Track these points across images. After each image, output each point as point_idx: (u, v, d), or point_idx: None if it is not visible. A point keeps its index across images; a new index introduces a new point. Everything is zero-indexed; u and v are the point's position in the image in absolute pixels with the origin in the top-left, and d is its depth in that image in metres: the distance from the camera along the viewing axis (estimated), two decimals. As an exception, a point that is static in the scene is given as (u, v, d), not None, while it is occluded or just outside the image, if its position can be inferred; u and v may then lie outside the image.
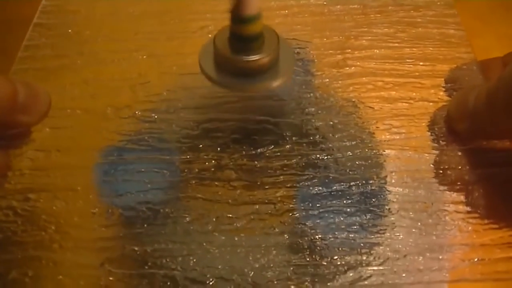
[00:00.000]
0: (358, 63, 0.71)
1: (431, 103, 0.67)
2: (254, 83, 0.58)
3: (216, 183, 0.61)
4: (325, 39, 0.74)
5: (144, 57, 0.74)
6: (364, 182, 0.59)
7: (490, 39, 1.31)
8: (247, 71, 0.58)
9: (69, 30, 0.79)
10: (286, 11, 0.77)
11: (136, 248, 0.56)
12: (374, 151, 0.61)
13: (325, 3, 0.80)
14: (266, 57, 0.57)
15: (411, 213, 0.58)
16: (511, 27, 1.32)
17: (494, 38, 1.30)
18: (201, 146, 0.63)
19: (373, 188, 0.59)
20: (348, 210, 0.58)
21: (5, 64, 0.77)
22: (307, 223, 0.57)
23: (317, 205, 0.57)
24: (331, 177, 0.60)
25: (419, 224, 0.57)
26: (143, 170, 0.60)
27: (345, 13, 0.78)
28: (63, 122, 0.67)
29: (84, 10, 0.83)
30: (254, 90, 0.62)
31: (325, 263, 0.55)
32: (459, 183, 0.59)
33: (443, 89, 0.68)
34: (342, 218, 0.57)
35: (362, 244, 0.56)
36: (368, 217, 0.57)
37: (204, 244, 0.56)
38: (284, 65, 0.60)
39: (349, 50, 0.73)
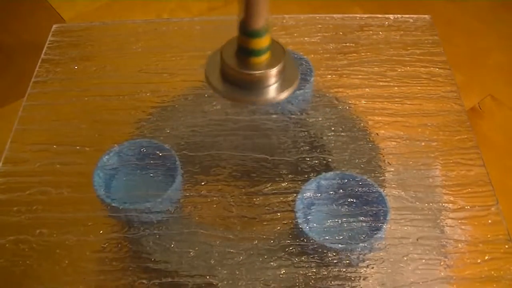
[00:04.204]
0: (350, 101, 0.75)
1: (417, 142, 0.71)
2: (260, 95, 0.58)
3: (217, 219, 0.65)
4: (318, 77, 0.77)
5: (148, 94, 0.77)
6: (356, 219, 0.64)
7: (491, 39, 1.35)
8: (253, 84, 0.58)
9: (75, 67, 0.83)
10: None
11: (144, 282, 0.60)
12: (365, 189, 0.65)
13: (318, 41, 0.84)
14: (272, 70, 0.57)
15: (399, 248, 0.62)
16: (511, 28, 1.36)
17: (495, 39, 1.35)
18: (203, 183, 0.67)
19: (364, 225, 0.63)
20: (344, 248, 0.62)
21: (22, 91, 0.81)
22: (303, 258, 0.61)
23: (312, 241, 0.61)
24: (325, 214, 0.64)
25: (405, 258, 0.61)
26: (149, 206, 0.63)
27: (338, 52, 0.82)
28: (73, 159, 0.71)
29: (89, 47, 0.87)
30: (259, 103, 0.64)
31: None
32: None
33: (429, 128, 0.72)
34: (334, 254, 0.60)
35: None
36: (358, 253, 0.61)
37: (208, 277, 0.60)
38: (289, 78, 0.60)
39: (342, 89, 0.77)
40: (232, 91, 0.58)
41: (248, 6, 0.52)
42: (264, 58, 0.56)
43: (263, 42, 0.55)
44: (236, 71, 0.57)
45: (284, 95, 0.58)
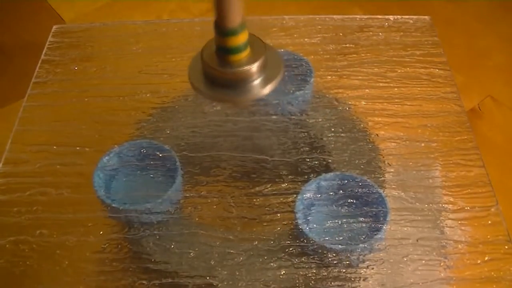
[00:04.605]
0: (350, 102, 0.75)
1: (417, 143, 0.71)
2: (243, 93, 0.58)
3: (218, 220, 0.65)
4: (318, 78, 0.78)
5: (148, 95, 0.77)
6: (356, 220, 0.64)
7: (490, 40, 1.35)
8: (235, 82, 0.58)
9: (75, 67, 0.83)
10: (281, 50, 0.80)
11: (144, 282, 0.60)
12: (365, 189, 0.65)
13: (318, 42, 0.84)
14: (253, 67, 0.57)
15: (398, 248, 0.62)
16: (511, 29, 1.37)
17: (495, 39, 1.35)
18: (203, 184, 0.68)
19: (364, 226, 0.64)
20: (344, 249, 0.62)
21: (22, 91, 0.81)
22: (303, 259, 0.61)
23: (312, 241, 0.61)
24: (325, 215, 0.64)
25: (405, 259, 0.62)
26: (149, 207, 0.63)
27: (338, 53, 0.83)
28: (73, 159, 0.71)
29: (89, 47, 0.87)
30: (243, 101, 0.63)
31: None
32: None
33: (429, 129, 0.73)
34: (334, 255, 0.61)
35: None
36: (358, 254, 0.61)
37: (208, 278, 0.60)
38: (272, 72, 0.59)
39: (342, 90, 0.77)
40: (214, 91, 0.58)
41: (220, 5, 0.52)
42: (243, 55, 0.56)
43: (239, 39, 0.55)
44: (217, 70, 0.57)
45: (266, 90, 0.58)
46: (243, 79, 0.57)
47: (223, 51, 0.56)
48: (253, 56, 0.57)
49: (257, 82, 0.57)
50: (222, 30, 0.54)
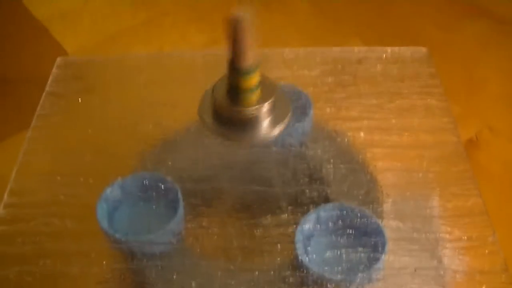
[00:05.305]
0: (349, 134, 0.77)
1: (414, 173, 0.72)
2: (252, 133, 0.60)
3: (219, 250, 0.66)
4: (318, 110, 0.78)
5: (150, 127, 0.79)
6: (354, 250, 0.65)
7: (487, 70, 1.36)
8: (244, 121, 0.59)
9: (79, 99, 0.84)
10: (282, 83, 0.81)
11: (147, 312, 0.61)
12: (363, 220, 0.66)
13: (318, 74, 0.85)
14: (263, 107, 0.58)
15: (397, 278, 0.63)
16: (509, 59, 1.38)
17: (492, 69, 1.36)
18: (204, 215, 0.69)
19: (363, 256, 0.64)
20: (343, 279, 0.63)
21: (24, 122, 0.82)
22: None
23: (311, 272, 0.61)
24: (325, 245, 0.65)
25: None
26: (151, 237, 0.64)
27: (337, 84, 0.84)
28: (77, 191, 0.72)
29: (93, 79, 0.89)
30: (251, 141, 0.64)
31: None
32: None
33: (427, 159, 0.74)
34: (334, 285, 0.61)
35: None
36: None
37: (209, 308, 0.61)
38: (281, 113, 0.61)
39: (340, 121, 0.78)
40: (224, 129, 0.60)
41: (235, 46, 0.53)
42: (254, 95, 0.57)
43: (253, 80, 0.56)
44: (228, 109, 0.58)
45: (275, 132, 0.60)
46: (253, 119, 0.58)
47: (235, 90, 0.57)
48: (264, 96, 0.58)
49: (266, 122, 0.59)
50: (236, 70, 0.55)
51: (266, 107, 0.59)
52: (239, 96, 0.58)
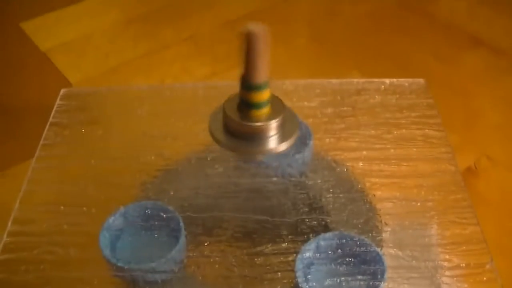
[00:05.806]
0: (348, 164, 0.78)
1: (413, 202, 0.73)
2: (261, 146, 0.61)
3: (220, 279, 0.66)
4: (317, 141, 0.80)
5: (152, 157, 0.80)
6: (354, 278, 0.66)
7: (485, 100, 1.37)
8: (254, 136, 0.60)
9: (83, 130, 0.85)
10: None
11: None
12: (362, 248, 0.67)
13: (317, 105, 0.86)
14: (272, 123, 0.60)
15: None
16: (506, 89, 1.39)
17: (489, 99, 1.37)
18: (205, 244, 0.69)
19: (362, 283, 0.65)
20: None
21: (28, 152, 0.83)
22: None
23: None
24: (325, 274, 0.66)
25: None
26: (153, 266, 0.65)
27: (336, 116, 0.85)
28: (80, 219, 0.73)
29: (96, 110, 0.90)
30: (261, 154, 0.66)
31: None
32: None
33: (425, 188, 0.75)
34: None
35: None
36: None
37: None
38: (289, 130, 0.63)
39: (340, 152, 0.79)
40: (234, 142, 0.61)
41: (249, 61, 0.55)
42: (264, 111, 0.60)
43: (263, 95, 0.58)
44: (238, 123, 0.60)
45: (282, 146, 0.61)
46: (262, 133, 0.60)
47: (246, 105, 0.59)
48: (273, 113, 0.60)
49: (274, 138, 0.61)
50: (248, 85, 0.57)
51: (276, 122, 0.60)
52: (249, 111, 0.59)
